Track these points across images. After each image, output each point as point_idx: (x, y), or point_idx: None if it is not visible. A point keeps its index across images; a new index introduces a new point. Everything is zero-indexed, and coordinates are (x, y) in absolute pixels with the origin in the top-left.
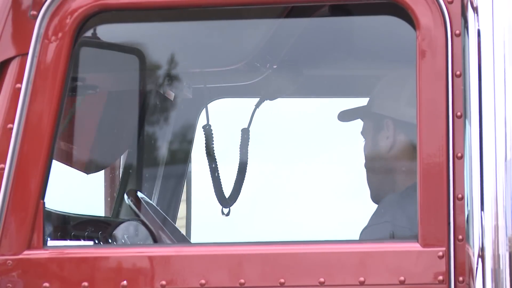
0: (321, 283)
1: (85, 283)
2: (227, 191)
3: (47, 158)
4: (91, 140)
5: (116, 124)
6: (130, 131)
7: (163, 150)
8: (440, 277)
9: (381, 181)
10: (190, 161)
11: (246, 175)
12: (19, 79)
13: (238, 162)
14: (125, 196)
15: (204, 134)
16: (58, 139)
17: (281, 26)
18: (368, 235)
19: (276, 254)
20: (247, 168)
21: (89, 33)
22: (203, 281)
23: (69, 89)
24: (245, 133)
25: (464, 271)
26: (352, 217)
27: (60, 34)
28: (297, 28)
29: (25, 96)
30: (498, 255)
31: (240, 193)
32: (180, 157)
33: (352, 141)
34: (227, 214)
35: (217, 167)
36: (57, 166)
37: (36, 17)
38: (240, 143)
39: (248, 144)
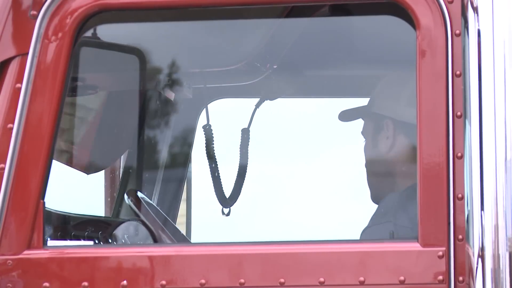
0: (321, 283)
1: (85, 283)
2: (228, 191)
3: (47, 158)
4: (91, 140)
5: (116, 124)
6: (130, 131)
7: (163, 150)
8: (440, 277)
9: (381, 181)
10: (190, 161)
11: (246, 175)
12: (19, 79)
13: (238, 162)
14: (125, 196)
15: (204, 134)
16: (58, 139)
17: (281, 26)
18: (370, 235)
19: (276, 254)
20: (247, 168)
21: (89, 33)
22: (203, 281)
23: (69, 89)
24: (245, 133)
25: (464, 271)
26: (352, 217)
27: (60, 34)
28: (297, 28)
29: (25, 96)
30: (498, 255)
31: (241, 193)
32: (180, 157)
33: (352, 141)
34: (228, 214)
35: (217, 167)
36: (57, 166)
37: (36, 17)
38: (240, 143)
39: (248, 144)
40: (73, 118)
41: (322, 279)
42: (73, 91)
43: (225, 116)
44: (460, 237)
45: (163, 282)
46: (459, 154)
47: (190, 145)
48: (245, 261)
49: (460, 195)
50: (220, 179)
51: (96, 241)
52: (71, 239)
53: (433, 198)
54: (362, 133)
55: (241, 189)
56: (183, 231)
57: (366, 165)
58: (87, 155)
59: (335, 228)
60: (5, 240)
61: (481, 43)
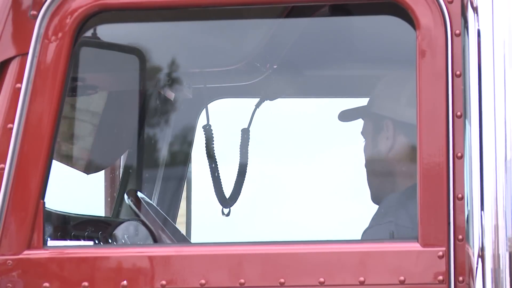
0: (321, 283)
1: (85, 283)
2: (228, 191)
3: (47, 158)
4: (91, 140)
5: (116, 124)
6: (130, 131)
7: (163, 150)
8: (440, 277)
9: (381, 181)
10: (190, 161)
11: (246, 175)
12: (19, 79)
13: (238, 162)
14: (125, 196)
15: (204, 134)
16: (58, 139)
17: (281, 26)
18: (371, 235)
19: (276, 254)
20: (247, 168)
21: (89, 33)
22: (203, 281)
23: (69, 89)
24: (245, 133)
25: (464, 271)
26: (352, 217)
27: (60, 34)
28: (297, 28)
29: (25, 96)
30: (498, 255)
31: (241, 193)
32: (180, 157)
33: (352, 141)
34: (228, 214)
35: (217, 167)
36: (57, 166)
37: (36, 17)
38: (240, 143)
39: (248, 144)
40: (73, 118)
41: (322, 279)
42: (73, 91)
43: (225, 116)
44: (460, 237)
45: (163, 282)
46: (459, 154)
47: (190, 145)
48: (245, 261)
49: (460, 195)
50: (220, 179)
51: (96, 241)
52: (71, 239)
53: (433, 198)
54: (362, 133)
55: (241, 189)
56: (183, 231)
57: (366, 165)
58: (87, 155)
59: (335, 228)
60: (5, 240)
61: (481, 43)
